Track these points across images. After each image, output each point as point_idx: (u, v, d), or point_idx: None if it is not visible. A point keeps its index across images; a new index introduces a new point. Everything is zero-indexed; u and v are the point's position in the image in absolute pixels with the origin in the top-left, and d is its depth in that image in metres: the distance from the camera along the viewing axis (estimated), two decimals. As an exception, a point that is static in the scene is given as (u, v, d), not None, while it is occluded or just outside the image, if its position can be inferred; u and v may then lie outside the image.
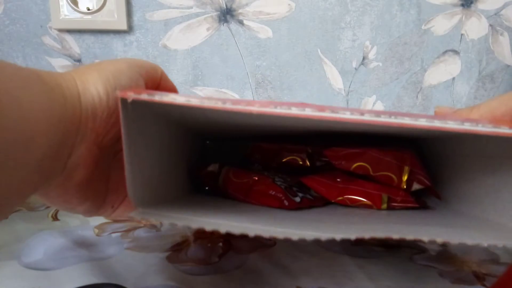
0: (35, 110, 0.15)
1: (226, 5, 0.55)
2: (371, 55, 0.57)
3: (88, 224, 0.35)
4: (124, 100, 0.17)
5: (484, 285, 0.25)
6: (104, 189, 0.22)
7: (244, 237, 0.32)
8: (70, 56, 0.54)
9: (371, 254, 0.29)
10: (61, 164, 0.18)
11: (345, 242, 0.31)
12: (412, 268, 0.27)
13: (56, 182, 0.19)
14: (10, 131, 0.14)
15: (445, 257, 0.29)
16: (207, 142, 0.37)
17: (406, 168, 0.27)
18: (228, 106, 0.17)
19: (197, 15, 0.55)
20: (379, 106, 0.59)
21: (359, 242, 0.32)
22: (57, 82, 0.17)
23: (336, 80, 0.58)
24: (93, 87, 0.19)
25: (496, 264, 0.28)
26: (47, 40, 0.53)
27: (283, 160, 0.31)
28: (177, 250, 0.30)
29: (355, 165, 0.28)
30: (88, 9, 0.51)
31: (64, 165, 0.18)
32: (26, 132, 0.14)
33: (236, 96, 0.59)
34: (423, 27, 0.62)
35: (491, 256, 0.29)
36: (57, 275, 0.26)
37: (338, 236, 0.17)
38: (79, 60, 0.54)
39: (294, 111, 0.17)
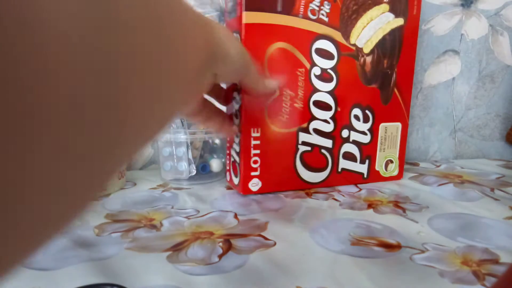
0: (194, 37, 0.19)
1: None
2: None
3: (88, 224, 0.35)
4: None
5: (484, 285, 0.25)
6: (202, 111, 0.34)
7: (244, 236, 0.32)
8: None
9: (371, 254, 0.29)
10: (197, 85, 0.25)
11: (345, 242, 0.31)
12: (412, 268, 0.27)
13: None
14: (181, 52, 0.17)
15: (445, 257, 0.29)
16: None
17: None
18: None
19: (197, 15, 0.55)
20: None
21: (359, 242, 0.32)
22: (206, 23, 0.23)
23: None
24: (232, 50, 0.27)
25: (496, 264, 0.28)
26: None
27: None
28: (177, 250, 0.30)
29: None
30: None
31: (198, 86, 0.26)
32: (190, 56, 0.19)
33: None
34: (423, 27, 0.62)
35: (491, 256, 0.29)
36: (57, 275, 0.26)
37: None
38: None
39: None
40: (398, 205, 0.41)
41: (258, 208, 0.40)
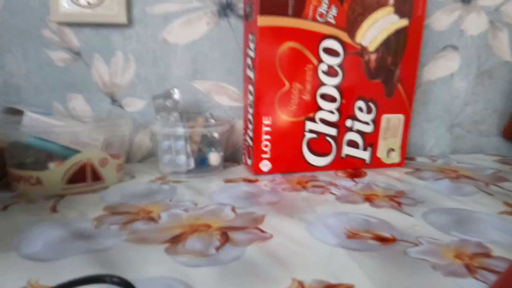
0: None
1: (226, 0, 0.55)
2: (370, 50, 0.57)
3: (87, 216, 0.36)
4: None
5: (475, 278, 0.25)
6: None
7: (241, 229, 0.33)
8: (69, 49, 0.54)
9: (365, 247, 0.30)
10: None
11: (341, 235, 0.32)
12: (406, 261, 0.28)
13: None
14: None
15: (438, 250, 0.29)
16: None
17: None
18: None
19: (197, 9, 0.55)
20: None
21: (355, 235, 0.32)
22: None
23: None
24: None
25: (488, 258, 0.28)
26: (47, 33, 0.53)
27: None
28: (175, 242, 0.30)
29: None
30: (88, 3, 0.51)
31: None
32: None
33: (236, 91, 0.59)
34: (422, 22, 0.62)
35: (483, 250, 0.30)
36: (56, 266, 0.27)
37: None
38: (78, 53, 0.54)
39: None
40: (394, 199, 0.42)
41: (255, 201, 0.41)
